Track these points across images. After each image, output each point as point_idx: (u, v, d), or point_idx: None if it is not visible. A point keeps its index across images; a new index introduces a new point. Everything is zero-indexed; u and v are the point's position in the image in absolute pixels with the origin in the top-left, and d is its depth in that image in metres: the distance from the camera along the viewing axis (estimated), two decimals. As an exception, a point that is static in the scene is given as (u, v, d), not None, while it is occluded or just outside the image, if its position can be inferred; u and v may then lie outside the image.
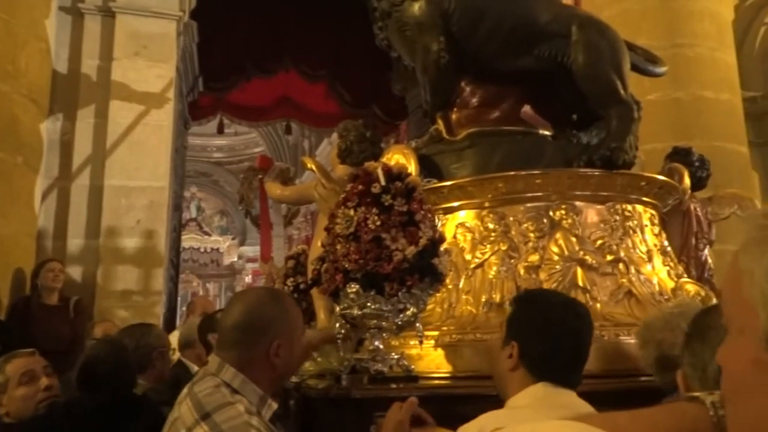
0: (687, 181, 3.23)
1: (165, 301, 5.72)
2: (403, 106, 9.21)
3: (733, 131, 6.48)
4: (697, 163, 3.44)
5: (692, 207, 3.37)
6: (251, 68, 8.76)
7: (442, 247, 2.05)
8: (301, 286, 3.24)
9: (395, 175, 2.06)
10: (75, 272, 5.17)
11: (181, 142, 7.49)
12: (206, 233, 19.81)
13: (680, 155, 3.49)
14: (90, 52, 5.61)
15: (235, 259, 19.77)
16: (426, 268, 1.98)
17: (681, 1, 6.51)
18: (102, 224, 5.23)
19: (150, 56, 5.64)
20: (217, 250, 19.65)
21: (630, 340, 2.35)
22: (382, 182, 2.01)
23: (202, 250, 19.47)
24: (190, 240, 18.68)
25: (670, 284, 2.71)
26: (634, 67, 3.00)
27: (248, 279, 18.94)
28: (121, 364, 2.33)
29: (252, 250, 18.74)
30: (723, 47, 6.68)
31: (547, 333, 1.53)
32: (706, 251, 3.40)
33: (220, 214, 21.01)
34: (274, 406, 1.56)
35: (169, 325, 5.83)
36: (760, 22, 8.01)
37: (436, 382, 2.25)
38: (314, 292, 2.75)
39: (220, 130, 10.19)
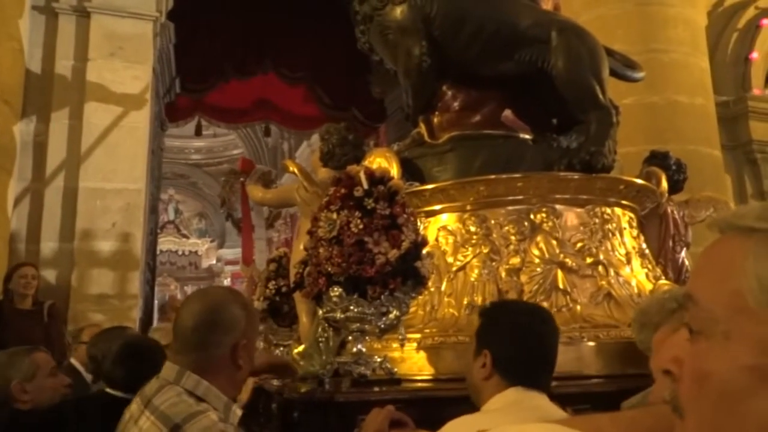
0: (664, 184, 3.29)
1: (141, 304, 5.64)
2: (382, 108, 9.24)
3: (706, 135, 6.60)
4: (674, 167, 3.50)
5: (669, 210, 3.43)
6: (230, 70, 8.68)
7: (425, 251, 2.05)
8: (283, 289, 3.23)
9: (378, 179, 2.06)
10: (49, 276, 5.07)
11: (158, 144, 7.40)
12: (184, 236, 19.55)
13: (658, 159, 3.55)
14: (64, 53, 5.51)
15: (214, 261, 19.57)
16: (409, 272, 1.99)
17: (656, 7, 6.61)
18: (77, 227, 5.14)
19: (126, 57, 5.56)
20: (196, 252, 19.41)
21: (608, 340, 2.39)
22: (365, 186, 2.01)
23: (179, 252, 19.21)
24: (167, 243, 18.42)
25: (648, 286, 2.75)
26: (613, 72, 3.05)
27: (227, 282, 18.74)
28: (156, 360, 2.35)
29: (231, 252, 18.56)
30: (697, 53, 6.80)
31: (516, 339, 1.57)
32: (683, 253, 3.46)
33: (198, 217, 20.76)
34: (239, 413, 1.48)
35: (146, 329, 5.75)
36: (732, 28, 8.15)
37: (419, 384, 2.26)
38: (297, 295, 2.74)
39: (198, 132, 10.09)
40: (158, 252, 14.93)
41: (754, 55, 8.03)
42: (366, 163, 2.53)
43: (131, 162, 5.45)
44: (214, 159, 19.03)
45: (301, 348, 2.52)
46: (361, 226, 1.96)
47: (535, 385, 1.54)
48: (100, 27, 5.56)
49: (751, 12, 8.17)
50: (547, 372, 1.57)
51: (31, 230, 5.20)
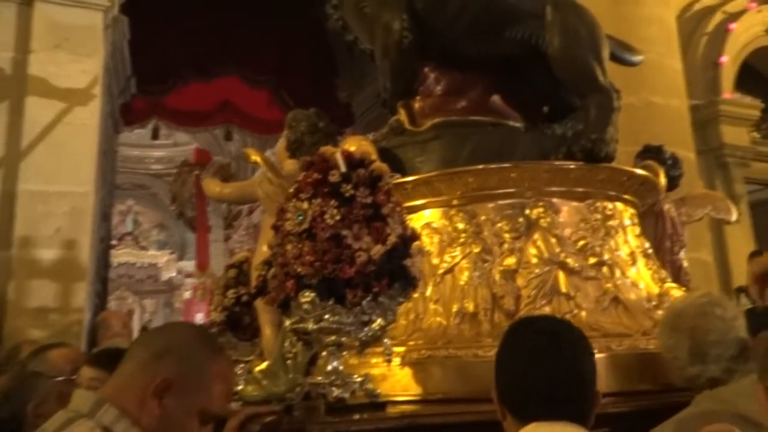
0: (663, 179, 3.03)
1: (89, 318, 5.15)
2: (349, 113, 8.94)
3: (681, 137, 6.48)
4: (669, 162, 3.25)
5: (666, 208, 3.17)
6: (190, 71, 8.27)
7: (415, 246, 1.72)
8: (244, 298, 2.87)
9: (357, 161, 1.72)
10: (-18, 288, 4.56)
11: (111, 146, 6.92)
12: (143, 248, 18.88)
13: (652, 153, 3.29)
14: (3, 44, 5.01)
15: (174, 274, 18.92)
16: (396, 272, 1.65)
17: (630, 7, 6.49)
18: (15, 233, 4.62)
19: (73, 49, 5.09)
20: (155, 265, 18.75)
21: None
22: (342, 169, 1.67)
23: (138, 265, 18.53)
24: (125, 255, 17.75)
25: (656, 289, 2.47)
26: (611, 55, 2.77)
27: (187, 294, 18.12)
28: None
29: (192, 264, 17.94)
30: (670, 53, 6.73)
31: (521, 365, 1.27)
32: (682, 255, 3.20)
33: (158, 228, 20.10)
34: None
35: (94, 346, 5.26)
36: (701, 32, 8.11)
37: (405, 407, 1.91)
38: (259, 303, 2.38)
39: (155, 136, 9.58)
40: (115, 265, 14.32)
41: (724, 59, 7.99)
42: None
43: (78, 163, 4.96)
44: (174, 169, 18.41)
45: (264, 365, 2.17)
46: (337, 217, 1.62)
47: (562, 417, 1.20)
48: (43, 16, 5.09)
49: (719, 16, 8.15)
50: (577, 400, 1.23)
51: (-37, 237, 4.68)
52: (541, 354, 1.26)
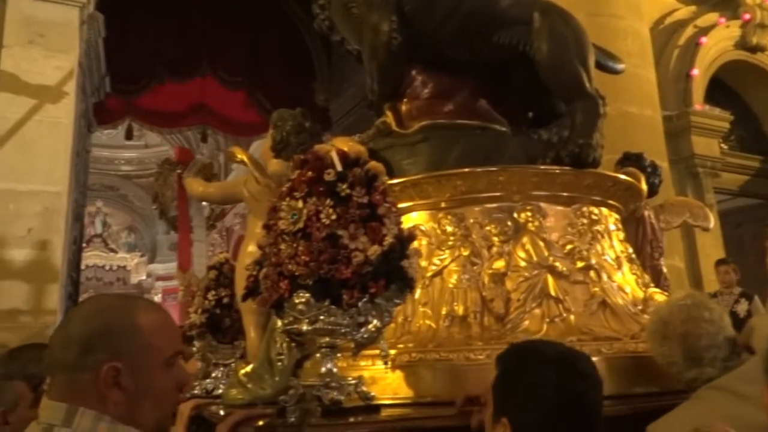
0: (644, 185, 3.07)
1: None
2: (326, 116, 8.89)
3: (655, 147, 6.58)
4: (649, 169, 3.30)
5: (646, 214, 3.22)
6: (164, 71, 8.15)
7: (411, 247, 1.70)
8: (225, 300, 2.83)
9: (353, 161, 1.70)
10: (-50, 290, 4.41)
11: (84, 146, 6.76)
12: (112, 250, 18.50)
13: (632, 160, 3.34)
14: (-25, 38, 4.89)
15: (144, 277, 18.58)
16: (393, 273, 1.62)
17: (606, 18, 6.59)
18: (-16, 233, 4.50)
19: (47, 45, 4.97)
20: (124, 267, 18.37)
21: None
22: (338, 168, 1.64)
23: (107, 267, 18.14)
24: (94, 257, 17.38)
25: (640, 293, 2.49)
26: (596, 63, 2.80)
27: (158, 298, 17.81)
28: None
29: (162, 267, 17.65)
30: (645, 65, 6.85)
31: (541, 402, 1.21)
32: (662, 261, 3.24)
33: (127, 230, 19.74)
34: None
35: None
36: (673, 45, 8.28)
37: (397, 410, 1.89)
38: (244, 306, 2.34)
39: (129, 136, 9.41)
40: (84, 267, 13.98)
41: (695, 71, 8.16)
42: (331, 148, 2.16)
43: (51, 162, 4.84)
44: (145, 171, 18.12)
45: (248, 368, 2.12)
46: (333, 217, 1.59)
47: None
48: (18, 11, 4.96)
49: (690, 30, 8.33)
50: None
51: (-71, 237, 4.52)
52: (562, 390, 1.22)
